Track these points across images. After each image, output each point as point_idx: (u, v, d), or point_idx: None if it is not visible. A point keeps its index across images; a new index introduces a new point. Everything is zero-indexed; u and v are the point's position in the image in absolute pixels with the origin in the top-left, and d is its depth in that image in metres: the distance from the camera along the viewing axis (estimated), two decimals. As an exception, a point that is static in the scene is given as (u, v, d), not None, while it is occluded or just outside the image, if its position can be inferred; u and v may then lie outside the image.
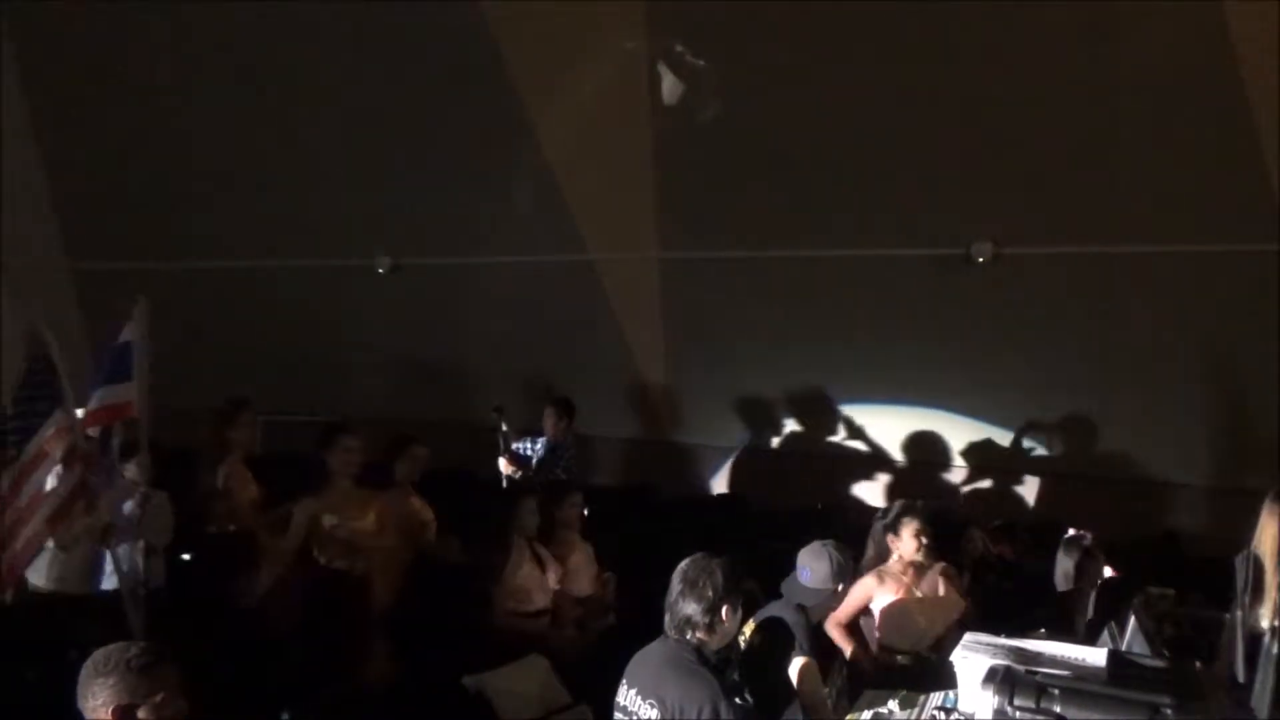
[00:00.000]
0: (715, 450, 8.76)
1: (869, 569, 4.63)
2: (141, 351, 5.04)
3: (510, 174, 8.19)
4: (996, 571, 6.11)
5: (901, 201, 7.20)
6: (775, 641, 3.64)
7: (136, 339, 5.06)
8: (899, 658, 4.46)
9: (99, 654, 2.66)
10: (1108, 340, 7.05)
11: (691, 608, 3.11)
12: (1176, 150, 6.29)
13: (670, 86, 7.60)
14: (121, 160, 9.28)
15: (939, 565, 4.71)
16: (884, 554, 4.69)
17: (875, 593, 4.55)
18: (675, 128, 7.65)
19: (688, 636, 3.12)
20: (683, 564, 3.22)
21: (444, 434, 6.94)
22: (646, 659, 3.18)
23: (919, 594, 4.58)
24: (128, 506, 5.05)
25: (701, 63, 7.46)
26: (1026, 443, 7.66)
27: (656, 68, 7.54)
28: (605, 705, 3.28)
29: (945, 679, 3.15)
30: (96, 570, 5.22)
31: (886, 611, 4.53)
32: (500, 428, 7.11)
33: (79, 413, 5.03)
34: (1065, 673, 2.44)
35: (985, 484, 7.94)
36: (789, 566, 4.05)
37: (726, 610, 3.13)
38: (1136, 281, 6.84)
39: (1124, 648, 3.25)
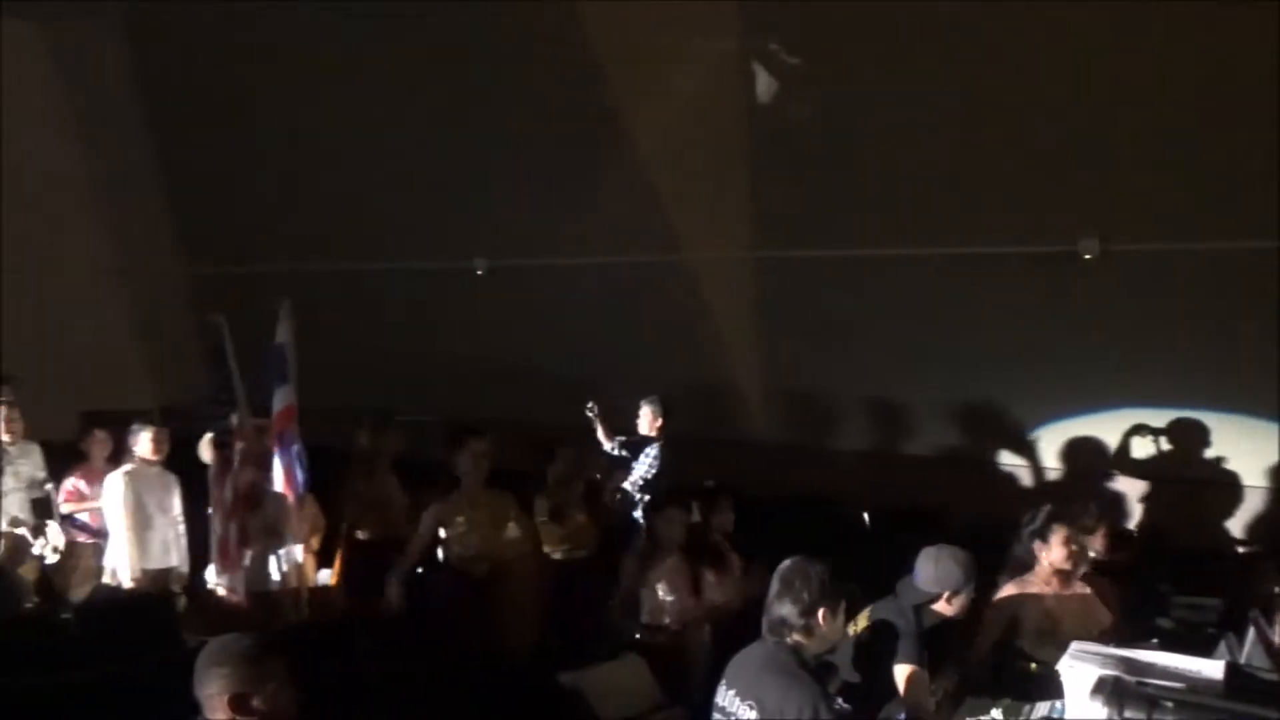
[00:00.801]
0: (809, 451, 8.67)
1: (1011, 577, 4.49)
2: (292, 352, 5.20)
3: (605, 175, 8.25)
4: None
5: (1004, 198, 7.03)
6: (881, 638, 3.61)
7: (287, 340, 5.22)
8: (1033, 666, 4.32)
9: (214, 644, 2.77)
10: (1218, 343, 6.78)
11: (787, 609, 3.11)
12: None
13: (765, 85, 7.56)
14: (233, 164, 9.63)
15: (1087, 574, 4.52)
16: (1029, 561, 4.51)
17: (1019, 602, 4.39)
18: (770, 127, 7.60)
19: (785, 639, 3.11)
20: (781, 566, 3.22)
21: (532, 433, 7.03)
22: (746, 660, 3.19)
23: (1065, 604, 4.41)
24: (288, 506, 5.24)
25: (796, 61, 7.41)
26: (1135, 446, 7.41)
27: (751, 66, 7.51)
28: (701, 707, 3.29)
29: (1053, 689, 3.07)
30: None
31: (1028, 620, 4.39)
32: (595, 426, 7.22)
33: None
34: (1178, 685, 2.36)
35: (1093, 487, 7.69)
36: (889, 570, 4.00)
37: (824, 613, 3.11)
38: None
39: (1243, 660, 3.13)
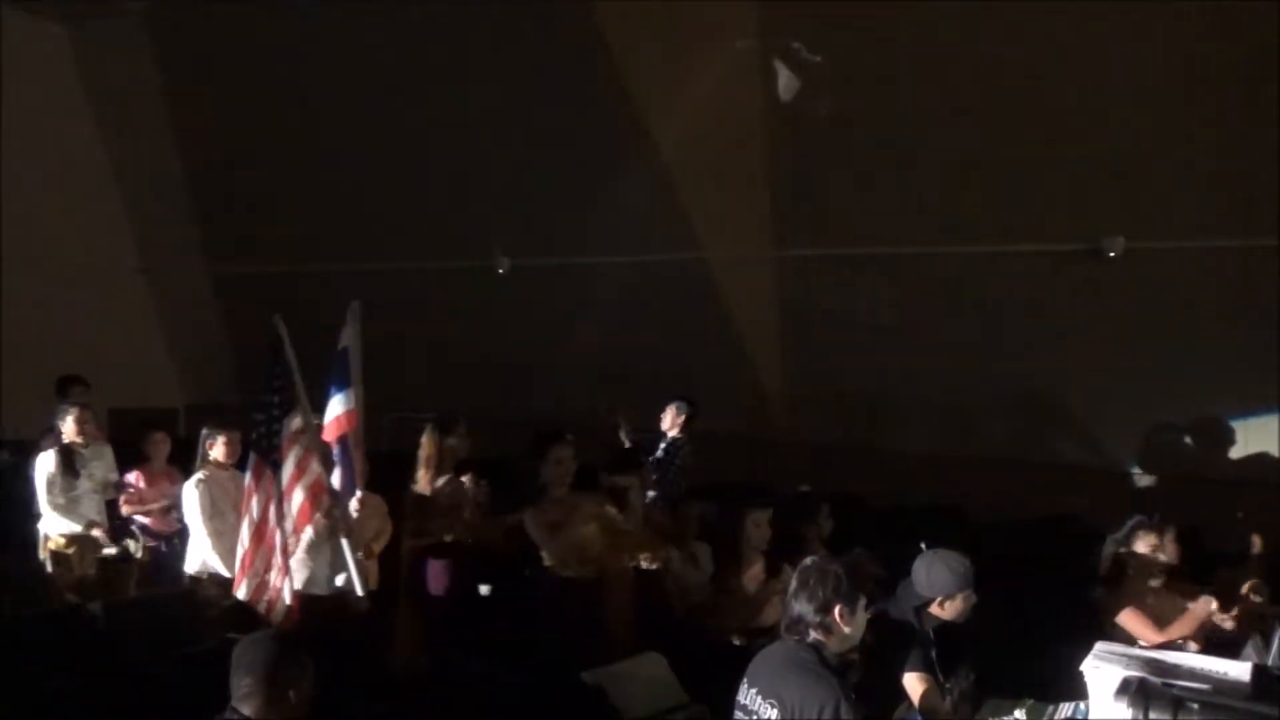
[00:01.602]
0: (830, 449, 8.66)
1: (1112, 590, 4.45)
2: (356, 355, 5.15)
3: (625, 174, 8.26)
4: None
5: (1028, 196, 7.00)
6: (887, 641, 3.61)
7: (351, 343, 5.16)
8: None
9: (247, 641, 2.89)
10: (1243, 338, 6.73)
11: (804, 607, 3.11)
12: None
13: (784, 84, 7.55)
14: (257, 166, 9.70)
15: (1169, 583, 4.50)
16: (1120, 572, 4.49)
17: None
18: (790, 125, 7.59)
19: (805, 637, 3.11)
20: (802, 564, 3.22)
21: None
22: (768, 659, 3.19)
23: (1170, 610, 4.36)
24: (350, 509, 5.16)
25: (815, 59, 7.40)
26: (1165, 445, 7.35)
27: (770, 65, 7.50)
28: (724, 705, 3.29)
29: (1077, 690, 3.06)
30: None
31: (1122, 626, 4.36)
32: (617, 426, 7.20)
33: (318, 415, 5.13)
34: (1204, 686, 2.35)
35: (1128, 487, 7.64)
36: (907, 569, 3.99)
37: (841, 611, 3.11)
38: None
39: (1270, 662, 3.11)
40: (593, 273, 8.88)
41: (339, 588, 5.15)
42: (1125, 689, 2.27)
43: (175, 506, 6.06)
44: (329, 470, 5.10)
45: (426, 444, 5.80)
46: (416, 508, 5.73)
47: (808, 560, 3.23)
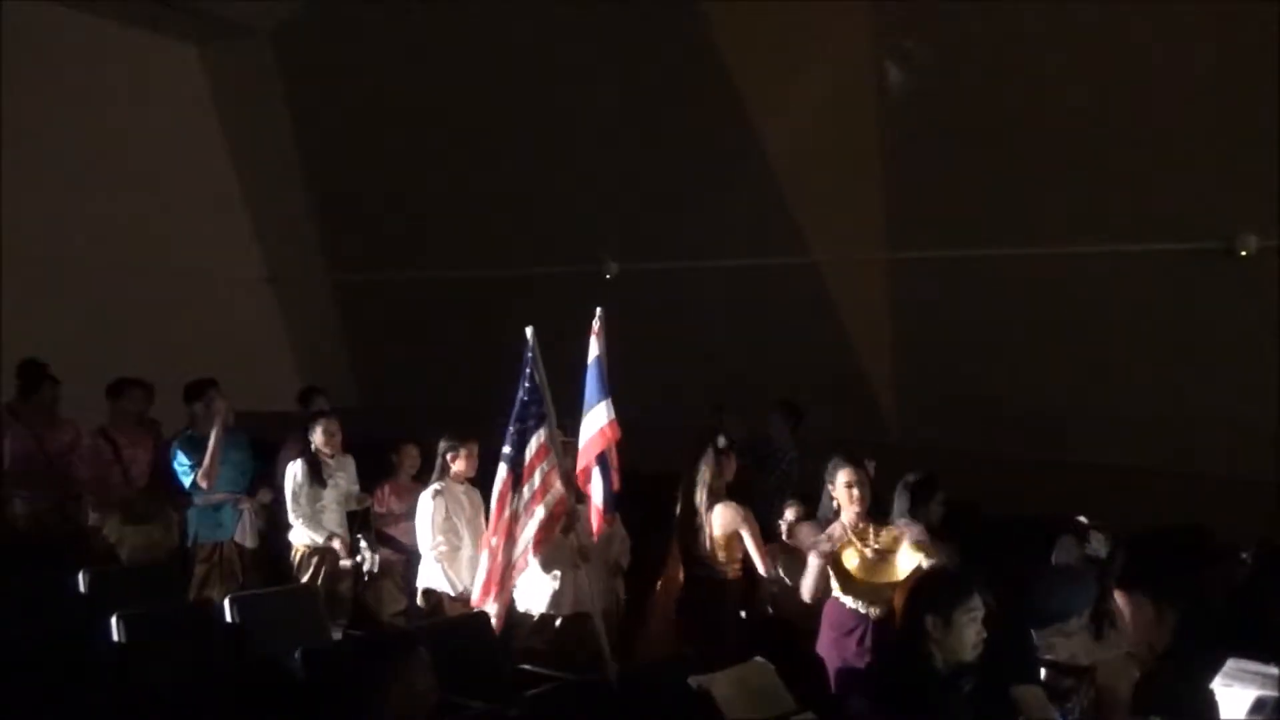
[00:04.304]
0: (945, 453, 8.46)
1: None
2: (604, 366, 5.03)
3: (735, 177, 8.22)
4: None
5: (1152, 193, 6.72)
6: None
7: (602, 353, 5.06)
8: None
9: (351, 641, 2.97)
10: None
11: None
12: None
13: (896, 84, 7.42)
14: (375, 173, 9.98)
15: None
16: None
17: None
18: (903, 126, 7.46)
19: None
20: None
21: (662, 438, 7.05)
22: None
23: None
24: (595, 527, 5.08)
25: (928, 60, 7.26)
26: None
27: (882, 66, 7.38)
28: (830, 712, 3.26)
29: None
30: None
31: None
32: (719, 426, 7.16)
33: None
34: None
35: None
36: (1022, 579, 3.87)
37: (930, 621, 3.08)
38: None
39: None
40: (701, 277, 8.87)
41: (581, 610, 5.08)
42: (1259, 709, 2.16)
43: None
44: (574, 488, 4.99)
45: (705, 469, 5.37)
46: (680, 529, 5.39)
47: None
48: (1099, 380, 7.56)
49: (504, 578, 4.91)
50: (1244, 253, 6.56)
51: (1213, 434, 7.27)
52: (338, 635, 5.50)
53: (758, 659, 4.48)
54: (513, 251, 9.60)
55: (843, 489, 4.68)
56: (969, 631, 3.12)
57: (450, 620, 5.42)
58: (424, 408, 9.21)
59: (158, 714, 3.90)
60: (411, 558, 6.01)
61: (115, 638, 4.63)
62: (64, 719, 3.88)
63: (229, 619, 5.04)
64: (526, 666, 4.94)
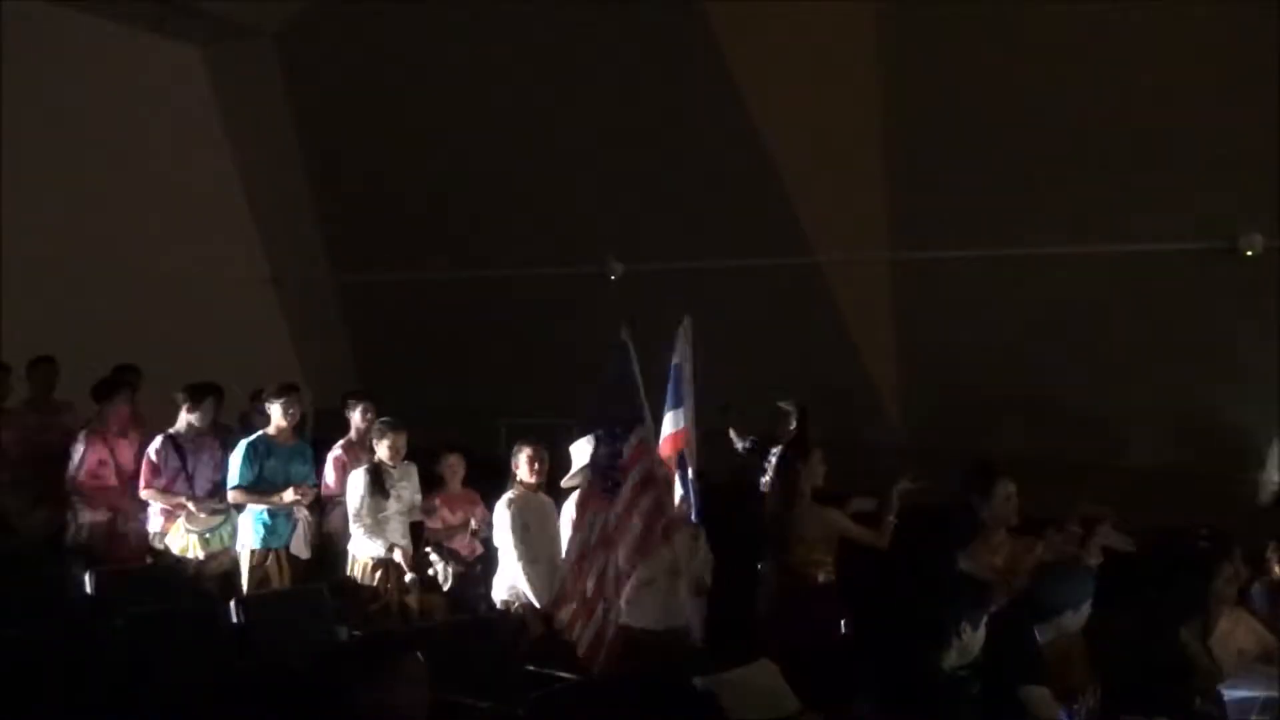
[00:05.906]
0: (949, 455, 8.46)
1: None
2: (688, 370, 4.84)
3: (737, 177, 8.23)
4: None
5: (1158, 193, 6.73)
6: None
7: (684, 359, 4.87)
8: None
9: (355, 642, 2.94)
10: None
11: None
12: None
13: (898, 86, 7.42)
14: (378, 174, 9.99)
15: None
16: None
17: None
18: (905, 127, 7.46)
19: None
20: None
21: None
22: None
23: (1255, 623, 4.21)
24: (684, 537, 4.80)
25: (930, 62, 7.26)
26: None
27: (884, 66, 7.38)
28: (837, 713, 3.27)
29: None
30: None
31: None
32: (728, 429, 7.19)
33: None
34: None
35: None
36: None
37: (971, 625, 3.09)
38: None
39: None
40: (704, 277, 8.87)
41: (677, 625, 4.80)
42: (1261, 709, 2.17)
43: (479, 529, 6.01)
44: (667, 494, 4.67)
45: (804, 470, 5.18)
46: (773, 538, 5.19)
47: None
48: (1105, 377, 7.57)
49: (594, 592, 4.49)
50: (1249, 253, 6.56)
51: (1213, 434, 7.28)
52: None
53: (763, 659, 4.48)
54: (515, 252, 9.61)
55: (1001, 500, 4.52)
56: (983, 632, 3.17)
57: (458, 621, 5.39)
58: (426, 408, 9.22)
59: (163, 715, 3.90)
60: (469, 569, 5.96)
61: (121, 638, 4.65)
62: (70, 719, 3.89)
63: (235, 620, 5.03)
64: (532, 668, 4.93)
